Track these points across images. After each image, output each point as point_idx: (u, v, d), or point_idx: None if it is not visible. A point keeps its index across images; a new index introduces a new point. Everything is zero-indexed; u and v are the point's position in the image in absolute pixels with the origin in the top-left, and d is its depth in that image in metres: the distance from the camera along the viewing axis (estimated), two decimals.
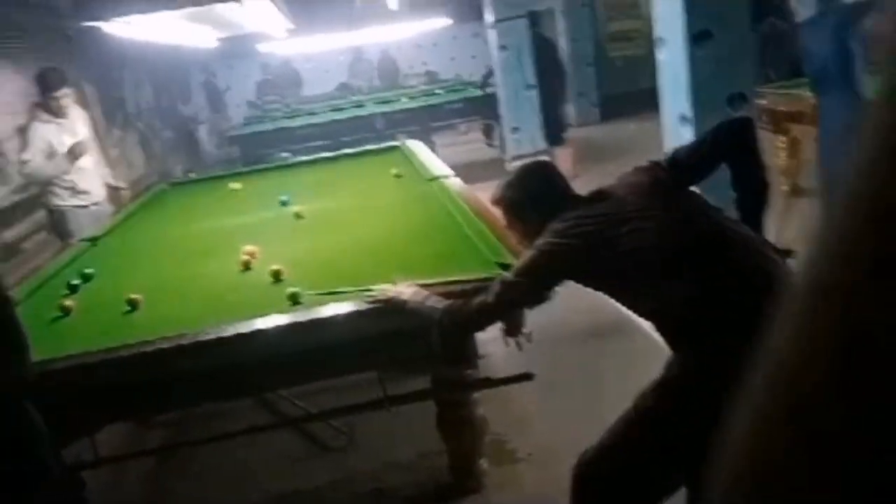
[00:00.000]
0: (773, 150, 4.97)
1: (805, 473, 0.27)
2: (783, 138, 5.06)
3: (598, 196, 1.82)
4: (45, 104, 4.18)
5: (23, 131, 4.29)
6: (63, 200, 4.24)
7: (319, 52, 10.71)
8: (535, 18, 6.96)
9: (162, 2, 2.22)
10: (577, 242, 1.70)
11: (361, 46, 11.35)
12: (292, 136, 7.78)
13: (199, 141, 11.88)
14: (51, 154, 4.12)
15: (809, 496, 0.26)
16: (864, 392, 0.25)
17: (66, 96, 4.21)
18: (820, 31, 2.71)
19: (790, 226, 4.27)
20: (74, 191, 4.27)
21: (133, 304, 2.34)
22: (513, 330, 2.21)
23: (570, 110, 9.33)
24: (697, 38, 3.07)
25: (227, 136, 8.46)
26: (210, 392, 2.19)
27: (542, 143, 7.09)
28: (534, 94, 6.94)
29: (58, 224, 4.31)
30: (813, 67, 2.79)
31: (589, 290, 1.82)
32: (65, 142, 4.15)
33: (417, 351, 2.17)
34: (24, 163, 4.14)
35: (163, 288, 2.56)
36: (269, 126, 8.38)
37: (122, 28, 2.43)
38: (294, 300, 2.19)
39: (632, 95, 10.09)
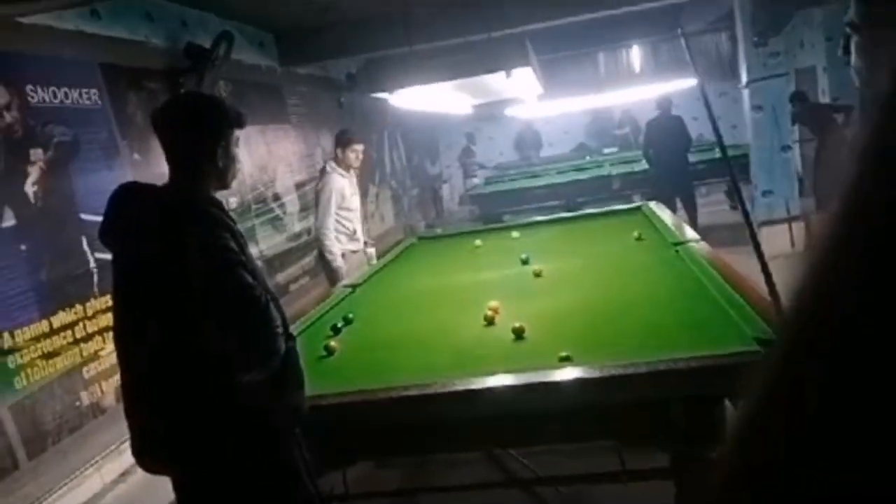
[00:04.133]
0: None
1: None
2: None
3: None
4: (342, 158, 4.78)
5: (316, 189, 4.92)
6: (342, 245, 4.76)
7: (557, 115, 10.96)
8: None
9: (435, 73, 2.43)
10: None
11: (602, 108, 11.43)
12: (528, 196, 7.99)
13: (442, 198, 12.66)
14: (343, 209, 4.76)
15: None
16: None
17: (360, 150, 4.84)
18: None
19: None
20: (351, 237, 4.82)
21: (389, 349, 2.52)
22: None
23: None
24: None
25: (468, 195, 8.93)
26: (449, 441, 2.27)
27: (797, 209, 6.54)
28: (790, 156, 6.45)
29: (329, 266, 4.79)
30: None
31: None
32: (351, 192, 4.80)
33: (656, 424, 2.08)
34: (319, 221, 4.73)
35: (414, 337, 2.72)
36: (506, 186, 8.70)
37: (395, 98, 2.69)
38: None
39: None
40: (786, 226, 6.49)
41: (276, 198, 5.98)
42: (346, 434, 2.18)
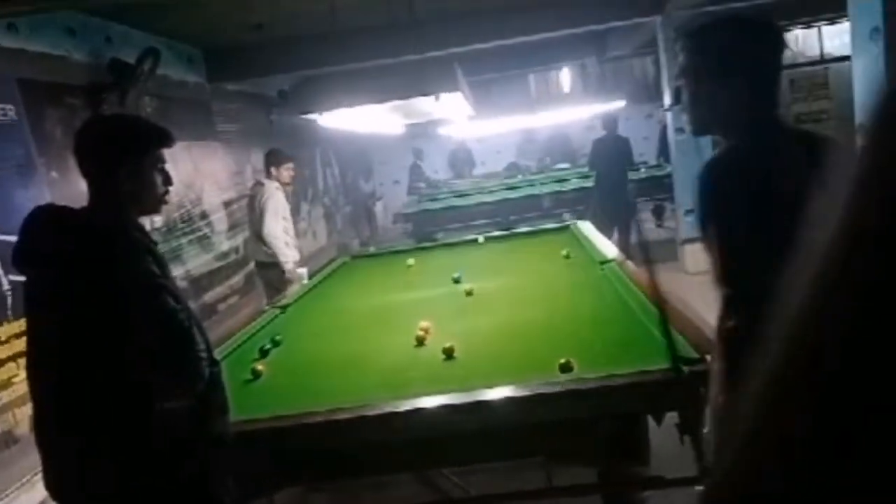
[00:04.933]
0: None
1: None
2: None
3: None
4: (276, 176, 5.08)
5: (256, 201, 5.08)
6: (287, 259, 5.01)
7: (492, 134, 11.10)
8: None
9: (366, 96, 2.44)
10: None
11: (532, 129, 11.65)
12: (461, 215, 8.05)
13: (376, 216, 12.62)
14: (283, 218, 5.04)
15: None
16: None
17: (292, 168, 5.19)
18: None
19: None
20: (293, 247, 5.09)
21: (318, 372, 2.49)
22: (690, 427, 2.09)
23: None
24: None
25: (401, 214, 8.93)
26: (380, 464, 2.25)
27: None
28: None
29: (274, 278, 5.00)
30: None
31: None
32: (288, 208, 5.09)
33: (583, 441, 2.13)
34: (268, 228, 4.93)
35: (344, 359, 2.70)
36: (439, 205, 8.75)
37: (326, 119, 2.68)
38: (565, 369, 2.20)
39: None
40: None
41: (204, 216, 5.84)
42: (273, 459, 2.14)
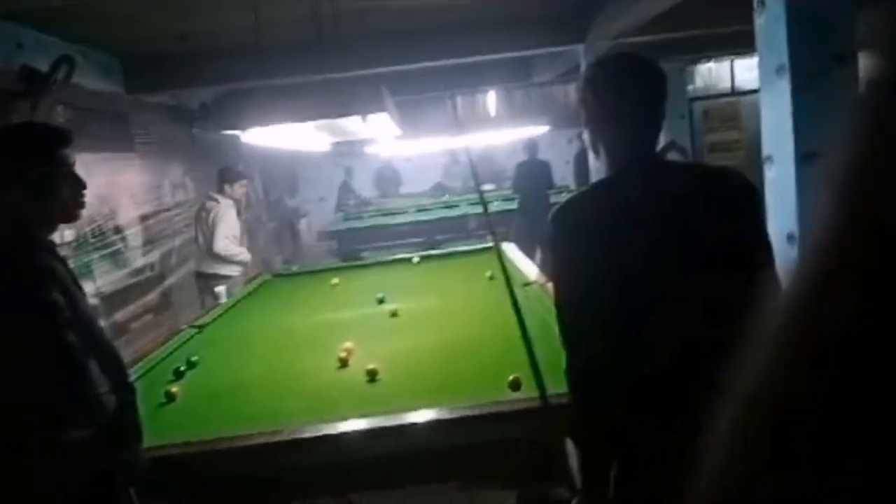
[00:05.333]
0: None
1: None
2: None
3: None
4: (230, 193, 5.25)
5: (210, 215, 5.20)
6: (231, 272, 5.25)
7: (418, 154, 11.15)
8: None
9: (291, 113, 2.41)
10: None
11: (458, 149, 11.77)
12: (387, 234, 8.04)
13: (300, 233, 12.43)
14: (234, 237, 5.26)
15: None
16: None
17: (246, 185, 5.43)
18: None
19: None
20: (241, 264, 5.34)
21: (236, 394, 2.42)
22: None
23: None
24: (805, 158, 3.02)
25: (326, 231, 8.84)
26: (300, 489, 2.19)
27: None
28: None
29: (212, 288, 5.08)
30: None
31: None
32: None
33: (506, 464, 2.15)
34: (220, 245, 5.11)
35: (263, 381, 2.63)
36: (365, 223, 8.70)
37: (250, 135, 2.63)
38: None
39: None
40: None
41: (118, 230, 5.61)
42: (188, 487, 2.05)
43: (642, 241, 1.42)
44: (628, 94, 1.52)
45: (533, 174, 7.44)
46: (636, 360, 1.40)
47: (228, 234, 5.15)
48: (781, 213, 3.22)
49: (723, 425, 0.30)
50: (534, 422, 2.08)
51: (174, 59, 5.89)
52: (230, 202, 5.24)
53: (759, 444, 0.28)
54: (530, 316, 3.04)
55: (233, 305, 4.07)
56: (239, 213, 5.47)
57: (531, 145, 7.55)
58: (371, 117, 2.47)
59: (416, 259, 5.07)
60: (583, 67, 6.90)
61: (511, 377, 2.22)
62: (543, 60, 8.56)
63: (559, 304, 1.52)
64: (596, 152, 1.63)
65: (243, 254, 5.35)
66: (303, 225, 12.76)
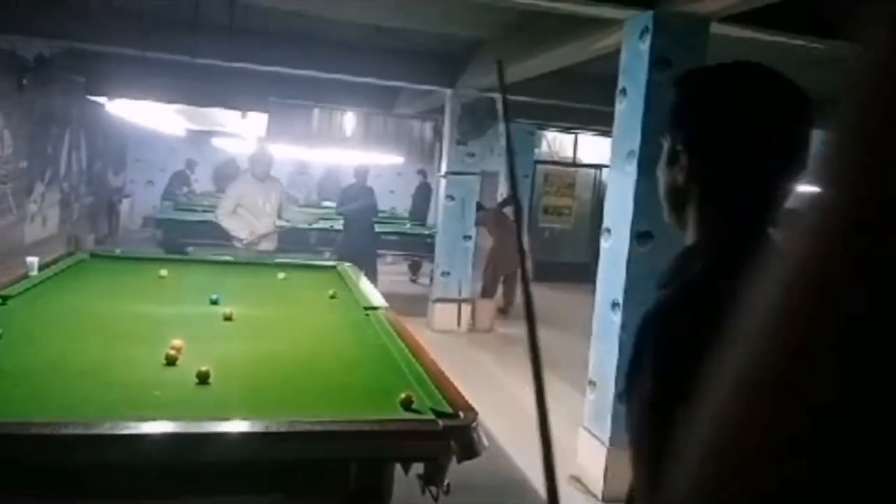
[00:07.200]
0: None
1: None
2: None
3: None
4: None
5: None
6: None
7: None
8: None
9: (165, 93, 2.28)
10: None
11: (307, 162, 11.62)
12: (221, 233, 7.68)
13: (119, 214, 11.55)
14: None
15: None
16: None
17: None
18: None
19: None
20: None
21: (44, 376, 2.20)
22: (434, 478, 2.19)
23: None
24: (640, 237, 3.35)
25: (152, 218, 8.29)
26: (107, 489, 2.03)
27: (468, 292, 7.32)
28: (469, 245, 7.24)
29: None
30: None
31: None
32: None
33: (328, 482, 2.14)
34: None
35: (77, 366, 2.42)
36: (197, 217, 8.27)
37: (112, 105, 2.46)
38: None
39: (553, 265, 10.63)
40: (456, 305, 7.19)
41: None
42: None
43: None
44: (776, 130, 0.99)
45: (359, 198, 7.62)
46: None
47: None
48: (611, 282, 3.53)
49: (697, 427, 0.29)
50: (364, 442, 2.09)
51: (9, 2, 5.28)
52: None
53: (730, 446, 0.27)
54: (371, 339, 3.08)
55: (44, 280, 3.70)
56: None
57: (361, 171, 7.71)
58: (250, 114, 2.41)
59: (281, 275, 4.75)
60: (447, 110, 7.15)
61: (403, 395, 2.23)
62: (409, 94, 8.76)
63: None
64: (676, 206, 1.07)
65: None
66: (124, 206, 11.88)
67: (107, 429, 1.85)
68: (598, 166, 10.92)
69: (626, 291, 3.41)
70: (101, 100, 2.52)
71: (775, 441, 0.26)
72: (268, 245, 5.99)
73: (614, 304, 3.48)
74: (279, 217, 6.07)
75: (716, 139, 1.00)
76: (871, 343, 0.24)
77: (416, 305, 7.27)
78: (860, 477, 0.24)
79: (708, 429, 0.28)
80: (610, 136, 3.83)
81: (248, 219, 5.86)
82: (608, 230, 3.59)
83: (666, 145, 1.06)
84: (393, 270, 9.45)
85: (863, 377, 0.24)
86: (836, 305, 0.25)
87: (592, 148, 11.25)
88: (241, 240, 5.91)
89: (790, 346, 0.26)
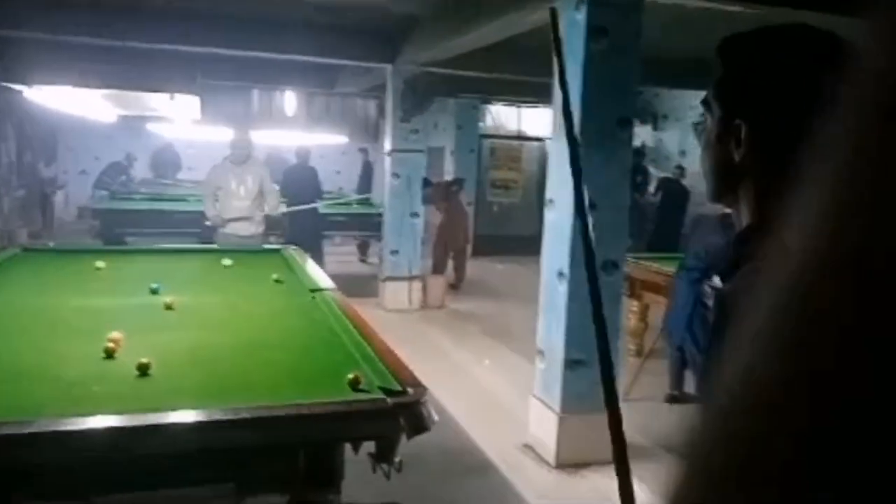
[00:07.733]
0: (626, 312, 5.41)
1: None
2: (636, 303, 5.51)
3: None
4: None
5: None
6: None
7: (205, 141, 10.60)
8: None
9: (87, 77, 2.18)
10: None
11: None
12: (162, 220, 7.49)
13: (54, 206, 11.14)
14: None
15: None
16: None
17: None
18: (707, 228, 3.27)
19: (638, 381, 4.60)
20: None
21: None
22: (385, 456, 2.19)
23: None
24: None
25: (89, 209, 8.00)
26: (46, 489, 1.97)
27: (418, 270, 7.32)
28: (417, 222, 7.22)
29: None
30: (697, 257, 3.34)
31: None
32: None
33: (278, 468, 2.12)
34: None
35: (9, 364, 2.33)
36: (135, 206, 8.04)
37: (31, 92, 2.34)
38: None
39: (502, 238, 10.69)
40: (406, 283, 7.18)
41: None
42: None
43: None
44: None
45: (301, 180, 7.59)
46: None
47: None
48: (556, 252, 3.56)
49: (692, 435, 0.28)
50: (311, 426, 2.07)
51: None
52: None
53: (728, 454, 0.26)
54: (318, 322, 3.04)
55: None
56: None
57: (303, 152, 7.68)
58: (178, 97, 2.32)
59: (227, 262, 4.55)
60: (389, 87, 7.07)
61: (351, 375, 2.20)
62: (350, 72, 8.63)
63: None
64: (730, 184, 0.98)
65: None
66: (59, 198, 11.46)
67: (42, 426, 1.79)
68: (543, 139, 10.99)
69: (572, 261, 3.44)
70: (21, 87, 2.38)
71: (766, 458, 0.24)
72: (251, 230, 5.91)
73: (560, 275, 3.52)
74: (266, 204, 6.04)
75: (781, 106, 0.91)
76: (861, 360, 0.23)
77: (366, 286, 7.23)
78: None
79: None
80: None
81: (222, 202, 5.87)
82: (551, 201, 3.61)
83: (712, 120, 0.98)
84: (342, 251, 9.38)
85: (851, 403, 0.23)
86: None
87: (536, 120, 11.30)
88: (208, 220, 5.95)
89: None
